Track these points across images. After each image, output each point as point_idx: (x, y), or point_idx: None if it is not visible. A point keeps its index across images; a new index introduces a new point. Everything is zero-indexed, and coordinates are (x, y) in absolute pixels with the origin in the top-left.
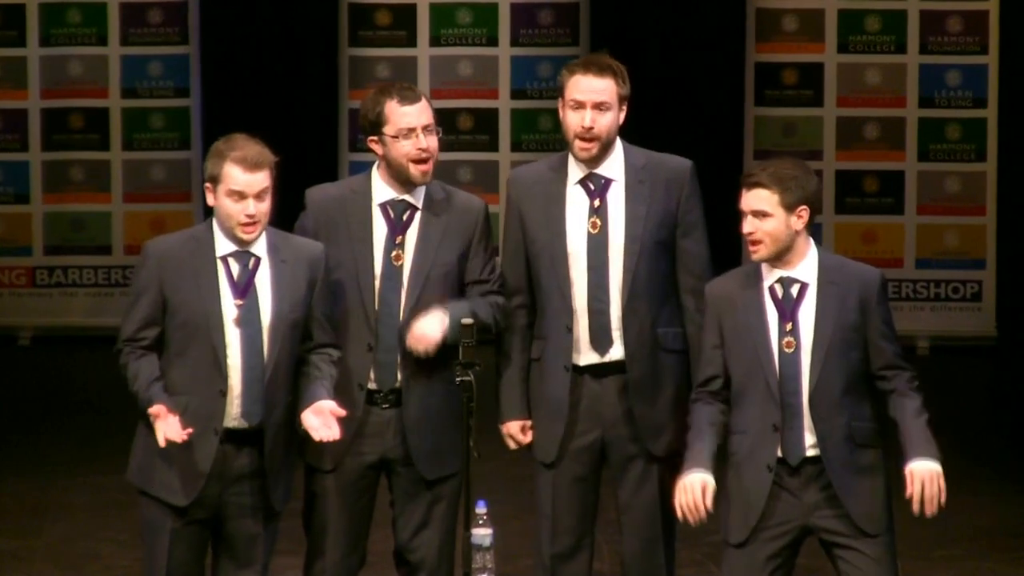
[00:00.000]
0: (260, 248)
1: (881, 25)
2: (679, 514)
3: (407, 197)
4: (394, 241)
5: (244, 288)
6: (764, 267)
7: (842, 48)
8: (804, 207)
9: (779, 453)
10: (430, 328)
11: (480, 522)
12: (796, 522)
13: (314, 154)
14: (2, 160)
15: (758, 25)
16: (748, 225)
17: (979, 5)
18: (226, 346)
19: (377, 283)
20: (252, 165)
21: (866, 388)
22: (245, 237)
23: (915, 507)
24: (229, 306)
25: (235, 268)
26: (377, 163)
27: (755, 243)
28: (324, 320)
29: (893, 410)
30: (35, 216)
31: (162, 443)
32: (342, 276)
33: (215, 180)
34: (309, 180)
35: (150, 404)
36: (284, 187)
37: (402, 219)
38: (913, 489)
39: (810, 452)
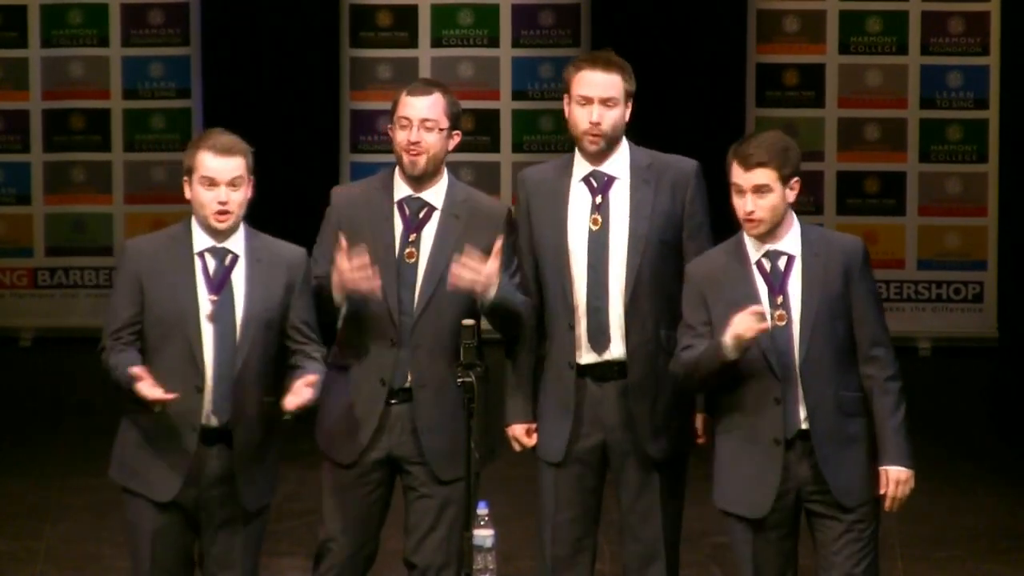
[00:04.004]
0: (237, 246)
1: (882, 26)
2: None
3: (424, 195)
4: (407, 239)
5: (219, 284)
6: (749, 242)
7: (843, 49)
8: (797, 179)
9: (783, 425)
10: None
11: (481, 523)
12: (793, 492)
13: (315, 155)
14: (3, 161)
15: (759, 26)
16: (750, 203)
17: (980, 6)
18: (201, 342)
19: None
20: (223, 151)
21: (852, 358)
22: (218, 226)
23: (887, 505)
24: (204, 302)
25: (211, 264)
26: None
27: (754, 221)
28: (304, 326)
29: (873, 405)
30: (36, 217)
31: (151, 396)
32: None
33: (190, 171)
34: (310, 181)
35: (130, 377)
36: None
37: (417, 217)
38: (887, 491)
39: (803, 425)
